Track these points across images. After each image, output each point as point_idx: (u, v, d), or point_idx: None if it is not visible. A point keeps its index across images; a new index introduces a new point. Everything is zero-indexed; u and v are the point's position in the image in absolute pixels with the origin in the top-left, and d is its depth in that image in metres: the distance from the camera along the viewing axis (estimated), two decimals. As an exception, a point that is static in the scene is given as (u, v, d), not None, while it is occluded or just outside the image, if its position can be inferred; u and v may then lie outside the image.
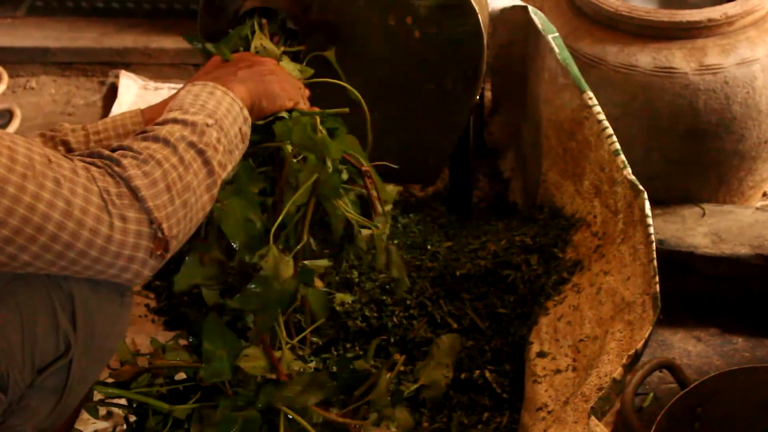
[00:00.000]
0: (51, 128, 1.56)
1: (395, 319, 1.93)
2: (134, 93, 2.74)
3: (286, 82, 1.58)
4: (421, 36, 1.88)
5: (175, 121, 1.34)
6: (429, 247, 2.09)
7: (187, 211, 1.29)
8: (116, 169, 1.24)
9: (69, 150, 1.52)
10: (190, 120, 1.34)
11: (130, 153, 1.27)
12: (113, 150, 1.29)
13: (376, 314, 1.94)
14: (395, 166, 1.71)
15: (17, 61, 3.17)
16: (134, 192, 1.23)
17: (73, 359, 1.32)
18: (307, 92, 1.65)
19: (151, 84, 2.82)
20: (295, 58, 1.78)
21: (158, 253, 1.26)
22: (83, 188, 1.19)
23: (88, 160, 1.25)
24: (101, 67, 3.08)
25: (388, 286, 1.97)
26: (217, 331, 1.51)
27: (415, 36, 1.88)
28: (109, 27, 3.18)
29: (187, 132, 1.32)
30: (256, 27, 1.75)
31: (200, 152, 1.32)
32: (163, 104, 1.62)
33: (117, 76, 2.90)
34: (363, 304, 1.94)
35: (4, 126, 2.85)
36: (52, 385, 1.32)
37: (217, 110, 1.38)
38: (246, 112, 1.45)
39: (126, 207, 1.22)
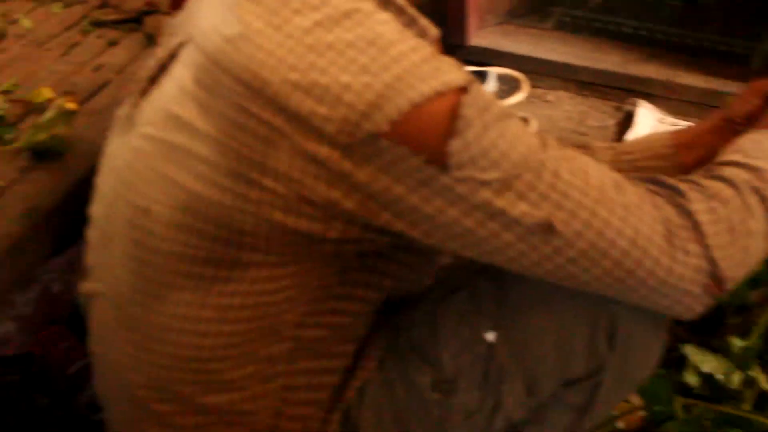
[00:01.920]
0: (577, 144, 1.59)
1: None
2: (650, 125, 2.73)
3: None
4: None
5: (737, 164, 1.32)
6: None
7: (745, 256, 1.27)
8: (679, 200, 1.25)
9: None
10: (753, 164, 1.32)
11: (697, 187, 1.27)
12: (680, 180, 1.30)
13: None
14: None
15: (538, 72, 3.26)
16: (697, 226, 1.23)
17: (603, 382, 1.34)
18: None
19: (668, 119, 2.80)
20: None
21: (713, 291, 1.25)
22: (650, 216, 1.21)
23: (651, 187, 1.27)
24: (619, 93, 3.10)
25: None
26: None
27: None
28: (633, 53, 3.19)
29: (750, 176, 1.30)
30: None
31: (764, 199, 1.29)
32: (695, 130, 1.61)
33: (634, 105, 2.89)
34: None
35: (518, 133, 2.93)
36: (574, 403, 1.35)
37: None
38: None
39: (688, 240, 1.22)
